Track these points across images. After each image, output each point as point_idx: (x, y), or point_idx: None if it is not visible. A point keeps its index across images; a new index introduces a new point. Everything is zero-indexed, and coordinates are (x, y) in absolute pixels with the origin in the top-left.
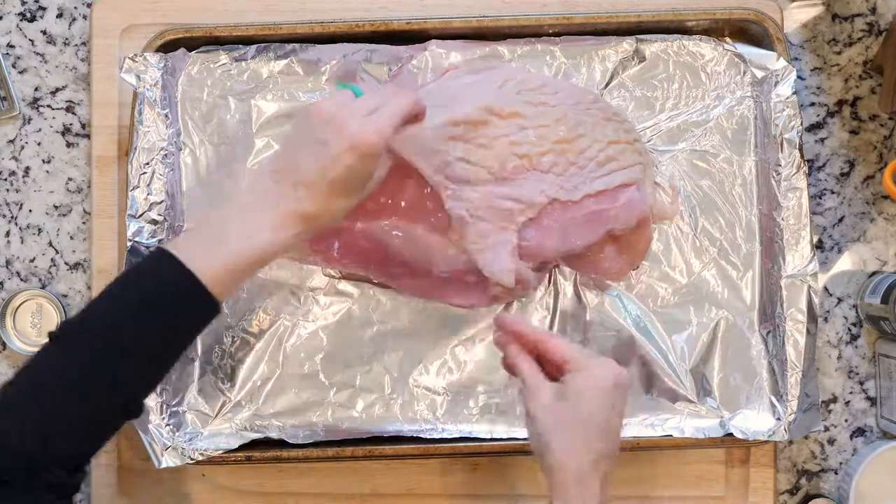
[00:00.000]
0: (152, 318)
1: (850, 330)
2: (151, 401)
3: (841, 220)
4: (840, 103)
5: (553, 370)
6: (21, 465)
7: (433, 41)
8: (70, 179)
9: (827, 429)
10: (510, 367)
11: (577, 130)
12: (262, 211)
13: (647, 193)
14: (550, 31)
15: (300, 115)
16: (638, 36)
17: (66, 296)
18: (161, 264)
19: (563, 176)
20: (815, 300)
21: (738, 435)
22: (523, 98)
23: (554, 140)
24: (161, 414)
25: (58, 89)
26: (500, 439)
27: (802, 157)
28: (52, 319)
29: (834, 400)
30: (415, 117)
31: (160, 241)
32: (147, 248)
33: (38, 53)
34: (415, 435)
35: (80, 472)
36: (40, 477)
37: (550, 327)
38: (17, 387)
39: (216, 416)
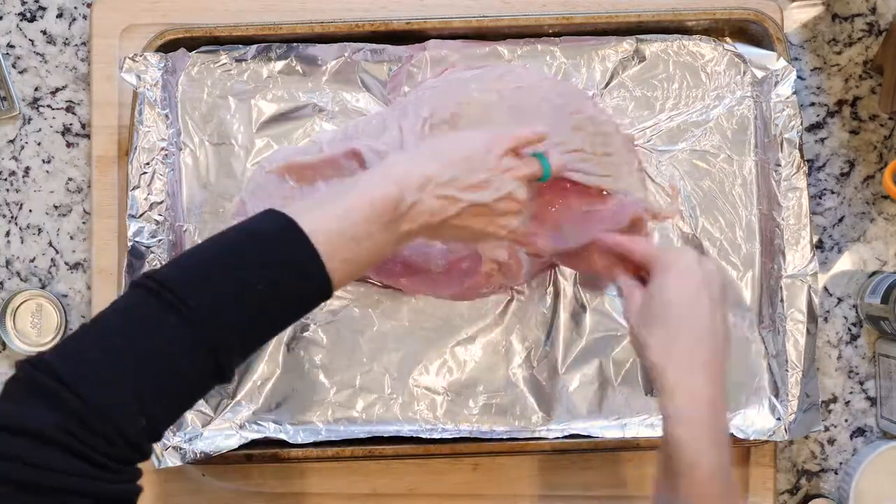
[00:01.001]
0: (265, 284)
1: (850, 330)
2: None
3: (841, 220)
4: (840, 103)
5: (645, 274)
6: (112, 416)
7: (433, 41)
8: (70, 179)
9: (827, 429)
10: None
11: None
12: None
13: (636, 196)
14: (550, 31)
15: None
16: (638, 36)
17: (66, 296)
18: (286, 234)
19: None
20: (815, 300)
21: (738, 435)
22: (505, 103)
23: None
24: None
25: (58, 89)
26: (500, 439)
27: (802, 157)
28: (52, 319)
29: (834, 400)
30: None
31: (159, 240)
32: (147, 248)
33: (38, 53)
34: (415, 435)
35: (157, 436)
36: (124, 432)
37: (551, 327)
38: (103, 337)
39: (216, 416)
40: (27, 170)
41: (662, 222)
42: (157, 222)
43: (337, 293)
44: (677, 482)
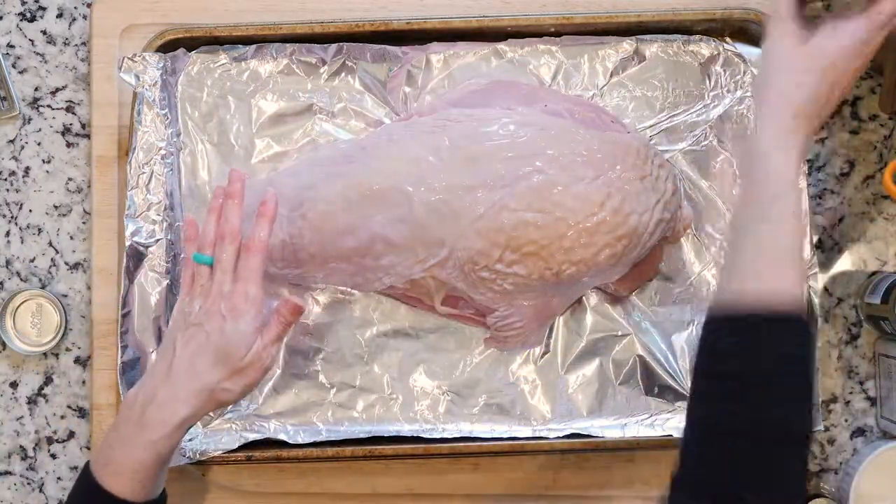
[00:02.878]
0: None
1: (850, 330)
2: None
3: (841, 220)
4: (840, 103)
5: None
6: None
7: (433, 42)
8: (70, 179)
9: (827, 429)
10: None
11: (623, 210)
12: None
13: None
14: (551, 31)
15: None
16: (638, 36)
17: (65, 296)
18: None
19: (619, 263)
20: (815, 300)
21: None
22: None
23: (606, 231)
24: None
25: (58, 89)
26: (501, 439)
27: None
28: (52, 319)
29: (834, 400)
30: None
31: (158, 240)
32: (146, 247)
33: (38, 53)
34: (415, 435)
35: None
36: None
37: (551, 328)
38: None
39: (216, 416)
40: (27, 170)
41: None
42: (156, 222)
43: (337, 294)
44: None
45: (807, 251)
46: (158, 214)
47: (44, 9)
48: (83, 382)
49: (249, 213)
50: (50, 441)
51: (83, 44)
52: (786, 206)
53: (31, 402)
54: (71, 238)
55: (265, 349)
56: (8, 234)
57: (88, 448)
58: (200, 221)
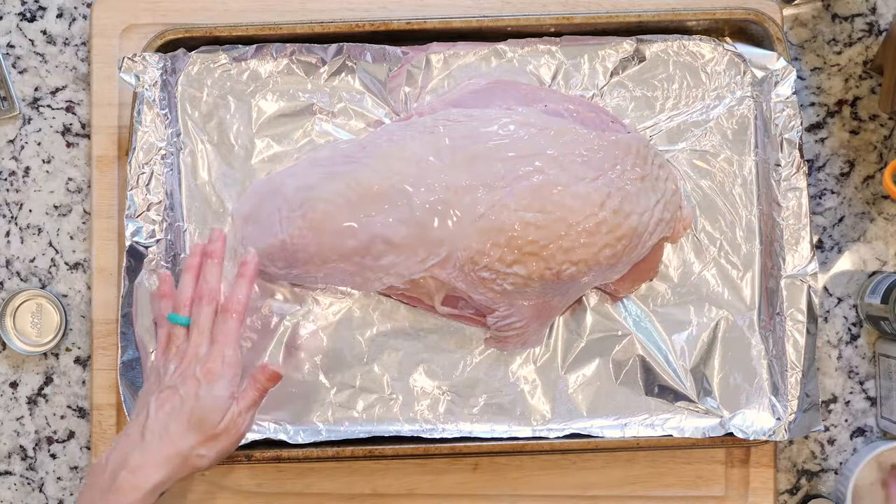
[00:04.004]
0: None
1: (850, 330)
2: None
3: (841, 220)
4: (840, 103)
5: None
6: None
7: (433, 42)
8: (70, 179)
9: (827, 429)
10: None
11: (623, 210)
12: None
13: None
14: (551, 31)
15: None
16: (638, 36)
17: (65, 296)
18: None
19: (619, 263)
20: (815, 300)
21: (738, 435)
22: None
23: (606, 231)
24: None
25: (58, 89)
26: (500, 439)
27: (802, 157)
28: (52, 319)
29: (834, 400)
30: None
31: (158, 240)
32: (146, 247)
33: (38, 53)
34: (415, 435)
35: None
36: None
37: (551, 328)
38: None
39: None
40: (27, 170)
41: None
42: (156, 222)
43: (337, 294)
44: None
45: (807, 251)
46: (158, 214)
47: (44, 9)
48: (83, 382)
49: (246, 213)
50: (50, 441)
51: (83, 44)
52: None
53: (31, 402)
54: (71, 238)
55: (241, 415)
56: (8, 234)
57: (88, 448)
58: (200, 222)
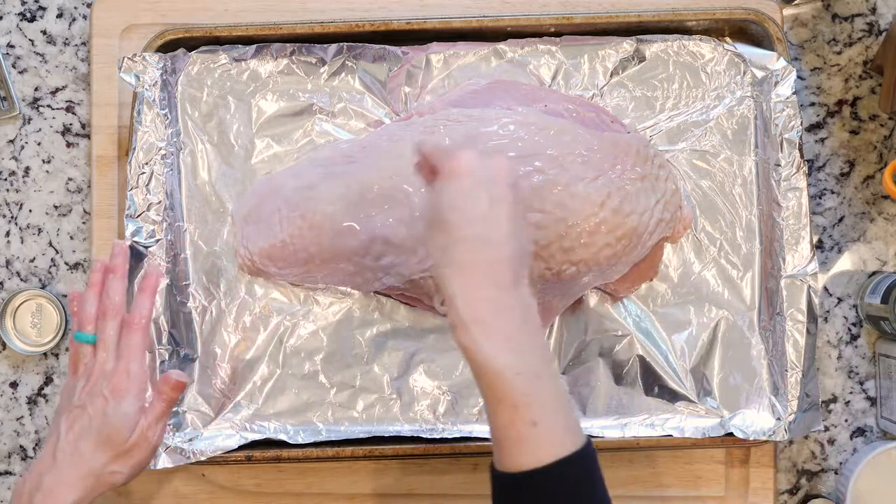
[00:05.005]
0: None
1: (850, 330)
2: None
3: (841, 220)
4: (840, 103)
5: None
6: None
7: (433, 42)
8: (70, 179)
9: (827, 429)
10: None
11: (623, 210)
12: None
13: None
14: (551, 31)
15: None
16: (638, 36)
17: (65, 296)
18: None
19: (619, 263)
20: (815, 300)
21: (738, 435)
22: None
23: (606, 231)
24: None
25: (58, 89)
26: None
27: (802, 157)
28: (52, 319)
29: (834, 400)
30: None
31: (158, 240)
32: (145, 248)
33: (38, 53)
34: (415, 435)
35: None
36: None
37: (551, 328)
38: None
39: (216, 416)
40: (27, 170)
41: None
42: (156, 222)
43: (337, 294)
44: (485, 400)
45: (807, 251)
46: (158, 215)
47: (44, 9)
48: None
49: (246, 213)
50: None
51: (83, 44)
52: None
53: (31, 402)
54: (71, 238)
55: (150, 428)
56: (8, 234)
57: None
58: (201, 221)
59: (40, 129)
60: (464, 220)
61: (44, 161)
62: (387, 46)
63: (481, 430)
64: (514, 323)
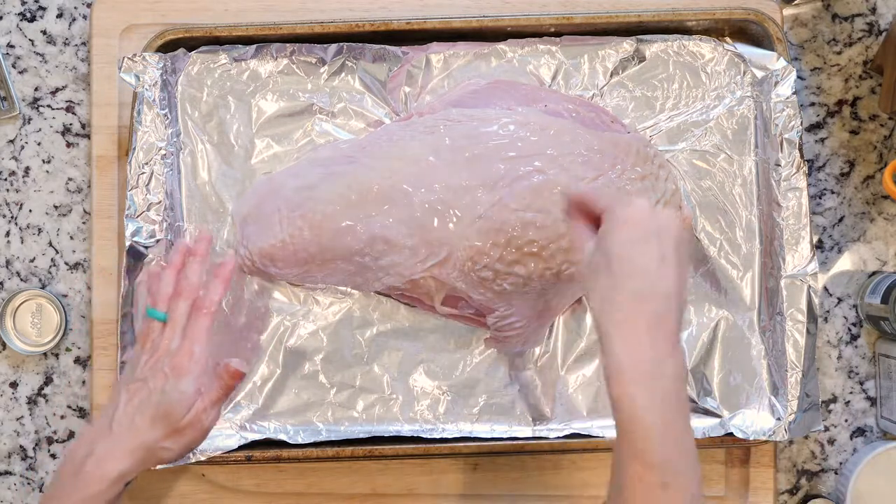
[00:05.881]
0: None
1: (850, 330)
2: None
3: (841, 220)
4: (840, 103)
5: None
6: None
7: (433, 42)
8: (70, 179)
9: (827, 429)
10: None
11: None
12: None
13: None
14: (551, 31)
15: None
16: (638, 36)
17: (65, 296)
18: None
19: None
20: (815, 300)
21: (738, 435)
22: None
23: None
24: None
25: (58, 89)
26: (500, 439)
27: (802, 157)
28: (52, 319)
29: (834, 400)
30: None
31: (158, 240)
32: (145, 247)
33: (38, 53)
34: (415, 435)
35: None
36: None
37: (551, 328)
38: None
39: None
40: (27, 170)
41: None
42: (156, 222)
43: (337, 294)
44: (619, 450)
45: (807, 251)
46: (158, 214)
47: (44, 9)
48: (83, 382)
49: (246, 213)
50: (50, 441)
51: (83, 44)
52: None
53: (31, 402)
54: (71, 238)
55: (205, 411)
56: (8, 234)
57: None
58: (201, 221)
59: (40, 129)
60: (633, 273)
61: (44, 161)
62: (387, 46)
63: (481, 430)
64: (669, 382)
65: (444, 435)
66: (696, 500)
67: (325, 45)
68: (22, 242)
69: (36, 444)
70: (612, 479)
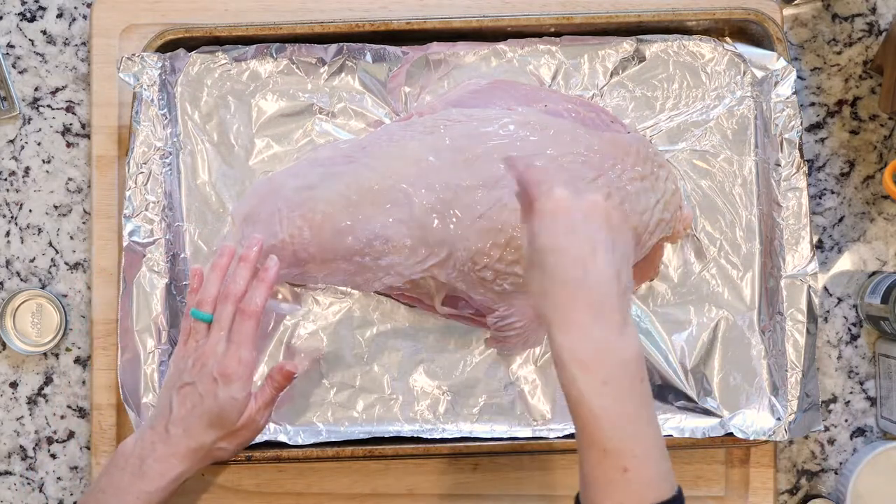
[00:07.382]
0: None
1: (850, 330)
2: (152, 401)
3: (841, 220)
4: (840, 103)
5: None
6: None
7: (433, 42)
8: (70, 179)
9: (827, 429)
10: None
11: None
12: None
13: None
14: (551, 31)
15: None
16: (638, 36)
17: (65, 296)
18: None
19: None
20: (815, 300)
21: (738, 435)
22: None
23: None
24: None
25: (58, 89)
26: (500, 439)
27: (802, 157)
28: (52, 319)
29: (834, 400)
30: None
31: (156, 240)
32: (143, 247)
33: (38, 53)
34: (415, 435)
35: None
36: None
37: None
38: None
39: None
40: (27, 170)
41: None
42: (154, 222)
43: (337, 294)
44: (578, 439)
45: (807, 251)
46: (156, 214)
47: (44, 9)
48: (83, 382)
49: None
50: (50, 441)
51: (83, 44)
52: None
53: (31, 402)
54: (71, 238)
55: (258, 412)
56: (8, 234)
57: (88, 448)
58: (200, 221)
59: (40, 129)
60: (563, 263)
61: (44, 161)
62: (387, 46)
63: (481, 430)
64: (614, 366)
65: (444, 435)
66: (662, 481)
67: (325, 45)
68: (22, 242)
69: (36, 444)
70: (580, 468)
